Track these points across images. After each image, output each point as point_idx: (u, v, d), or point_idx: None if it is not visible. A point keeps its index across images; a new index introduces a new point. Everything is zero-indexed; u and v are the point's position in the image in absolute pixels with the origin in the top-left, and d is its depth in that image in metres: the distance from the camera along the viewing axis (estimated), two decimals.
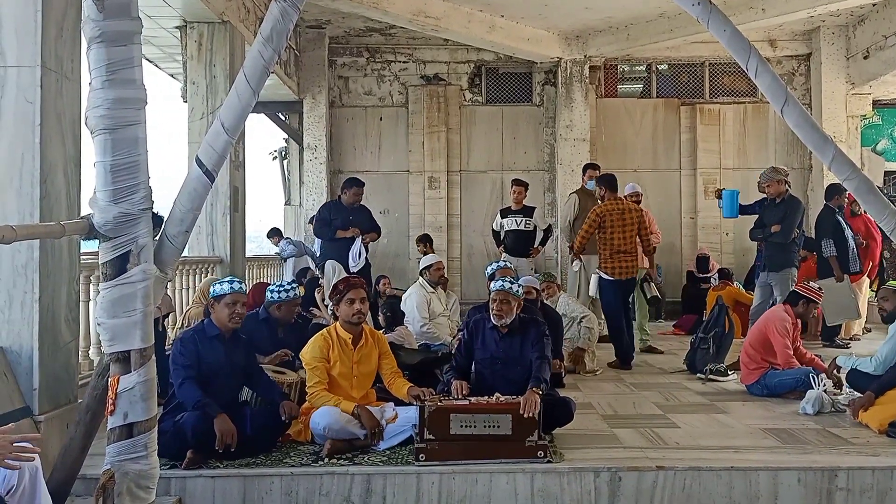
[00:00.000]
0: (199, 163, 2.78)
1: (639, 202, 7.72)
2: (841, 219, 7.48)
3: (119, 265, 2.72)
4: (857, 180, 2.61)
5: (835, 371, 5.13)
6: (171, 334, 5.57)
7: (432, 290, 6.55)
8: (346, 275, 6.14)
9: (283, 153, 11.93)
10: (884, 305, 5.08)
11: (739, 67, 3.15)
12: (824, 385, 4.82)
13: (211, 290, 4.07)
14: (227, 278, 4.14)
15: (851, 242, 7.37)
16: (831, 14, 10.04)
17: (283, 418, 3.89)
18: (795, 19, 9.89)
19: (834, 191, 7.64)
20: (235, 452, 3.66)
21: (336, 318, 4.25)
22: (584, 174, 8.27)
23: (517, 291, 4.36)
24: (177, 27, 7.28)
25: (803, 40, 11.10)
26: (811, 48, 11.05)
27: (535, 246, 8.39)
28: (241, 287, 4.04)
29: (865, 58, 10.24)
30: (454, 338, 6.03)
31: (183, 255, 6.85)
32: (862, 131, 11.13)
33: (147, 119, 2.76)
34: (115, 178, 2.69)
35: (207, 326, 3.99)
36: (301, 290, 7.39)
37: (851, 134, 10.86)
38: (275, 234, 10.28)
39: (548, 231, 8.55)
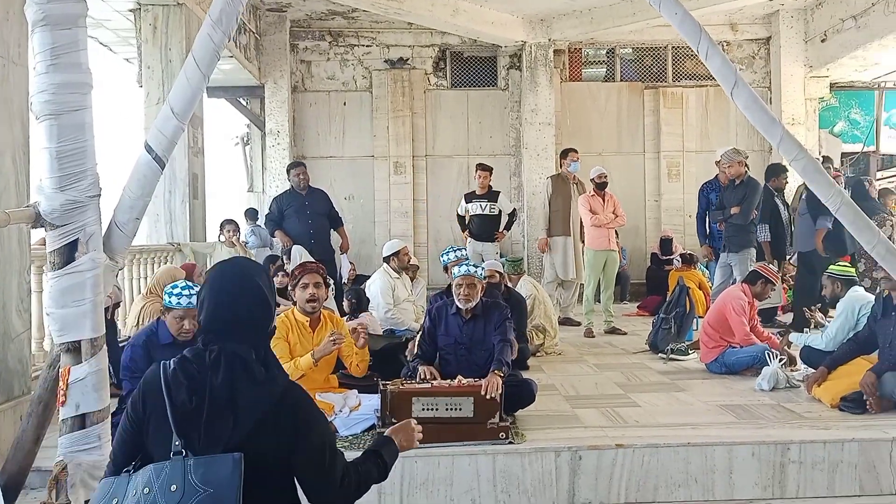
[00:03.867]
0: (149, 148, 2.73)
1: (605, 184, 7.81)
2: (779, 201, 7.46)
3: (67, 254, 2.68)
4: (804, 161, 2.66)
5: (786, 347, 5.26)
6: (120, 326, 5.44)
7: (397, 275, 6.54)
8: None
9: (246, 139, 11.76)
10: (824, 292, 5.28)
11: None
12: (779, 361, 4.93)
13: (165, 298, 3.80)
14: (183, 287, 3.79)
15: (786, 224, 7.44)
16: None
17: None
18: (755, 3, 9.98)
19: (774, 171, 7.62)
20: None
21: (294, 303, 4.23)
22: (564, 158, 8.31)
23: (480, 275, 4.41)
24: (130, 10, 7.12)
25: (763, 24, 11.23)
26: (771, 32, 11.19)
27: (501, 230, 8.45)
28: (188, 303, 3.72)
29: (823, 41, 10.40)
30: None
31: (141, 243, 6.79)
32: (820, 113, 11.30)
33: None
34: (62, 164, 2.64)
35: (161, 332, 3.82)
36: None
37: (810, 116, 11.03)
38: (246, 214, 10.03)
39: (512, 215, 8.61)
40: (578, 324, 8.03)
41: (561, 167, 8.36)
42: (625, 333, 7.53)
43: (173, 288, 3.82)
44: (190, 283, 3.97)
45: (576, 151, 8.30)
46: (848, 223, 2.72)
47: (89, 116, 2.69)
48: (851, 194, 8.04)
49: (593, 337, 7.36)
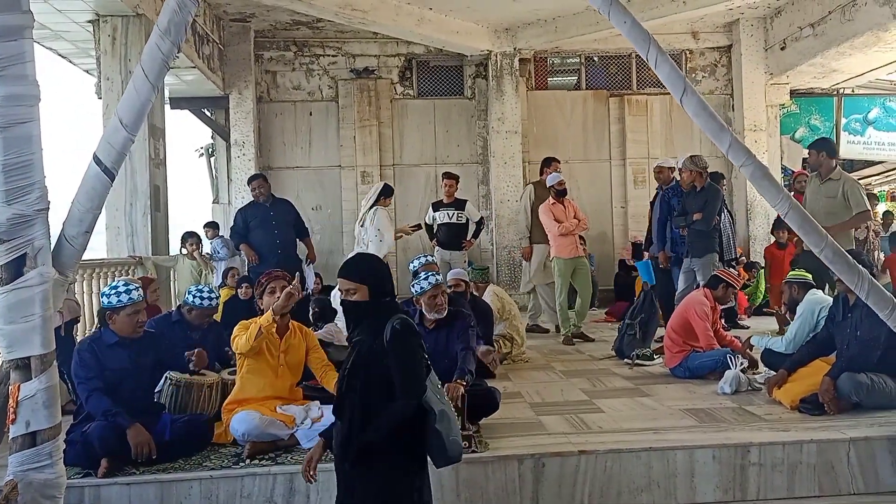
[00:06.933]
0: (98, 160, 2.69)
1: (564, 191, 7.84)
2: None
3: (15, 269, 2.62)
4: (752, 166, 2.70)
5: (748, 350, 5.33)
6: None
7: None
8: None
9: (210, 150, 11.64)
10: (783, 298, 5.40)
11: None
12: (741, 365, 4.99)
13: (103, 300, 3.82)
14: (122, 284, 3.85)
15: (729, 229, 7.53)
16: (749, 6, 10.37)
17: (191, 368, 3.82)
18: (715, 11, 10.18)
19: (715, 178, 7.88)
20: (154, 459, 3.56)
21: (261, 312, 4.18)
22: (547, 167, 8.26)
23: (441, 281, 4.46)
24: (89, 21, 7.01)
25: (724, 32, 11.42)
26: (731, 40, 11.39)
27: (468, 238, 8.45)
28: (138, 295, 3.82)
29: (783, 49, 10.61)
30: None
31: (101, 257, 6.67)
32: (781, 120, 11.52)
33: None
34: (8, 178, 2.59)
35: (105, 335, 3.81)
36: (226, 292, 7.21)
37: (771, 123, 11.24)
38: (210, 226, 9.84)
39: (480, 223, 8.61)
40: (547, 331, 8.06)
41: (542, 174, 8.34)
42: (592, 340, 7.56)
43: (114, 289, 3.81)
44: (127, 280, 3.98)
45: (558, 162, 8.30)
46: (796, 227, 2.77)
47: (37, 129, 2.65)
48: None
49: (573, 344, 7.38)
